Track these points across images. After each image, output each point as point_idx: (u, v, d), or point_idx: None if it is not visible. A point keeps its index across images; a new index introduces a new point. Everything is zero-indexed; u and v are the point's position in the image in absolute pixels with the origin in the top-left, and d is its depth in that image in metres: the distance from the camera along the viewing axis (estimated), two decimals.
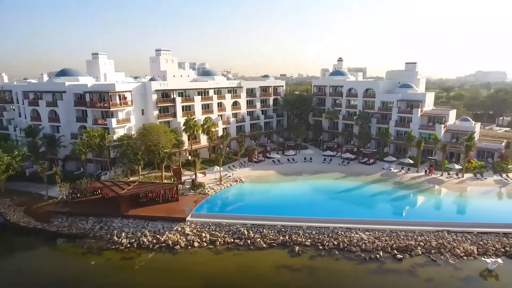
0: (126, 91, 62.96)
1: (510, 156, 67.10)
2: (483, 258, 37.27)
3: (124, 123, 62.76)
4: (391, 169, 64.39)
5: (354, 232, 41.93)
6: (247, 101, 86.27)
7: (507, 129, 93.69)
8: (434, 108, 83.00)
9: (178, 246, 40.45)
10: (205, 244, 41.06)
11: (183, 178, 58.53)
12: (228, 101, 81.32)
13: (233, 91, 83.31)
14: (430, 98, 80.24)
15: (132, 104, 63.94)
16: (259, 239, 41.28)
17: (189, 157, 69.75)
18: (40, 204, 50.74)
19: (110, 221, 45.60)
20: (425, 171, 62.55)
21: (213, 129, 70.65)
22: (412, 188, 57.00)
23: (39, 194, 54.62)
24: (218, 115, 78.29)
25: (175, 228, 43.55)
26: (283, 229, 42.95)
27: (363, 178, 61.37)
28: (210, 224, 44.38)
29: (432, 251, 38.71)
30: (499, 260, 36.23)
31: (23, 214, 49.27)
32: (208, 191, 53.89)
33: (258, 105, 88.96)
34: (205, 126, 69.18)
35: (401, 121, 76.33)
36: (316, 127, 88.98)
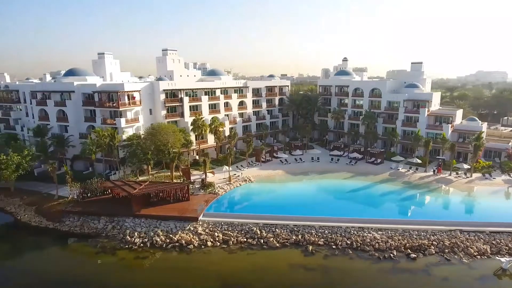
0: (134, 91, 62.99)
1: None
2: (497, 257, 37.35)
3: (133, 123, 62.82)
4: (399, 169, 64.46)
5: (366, 232, 41.98)
6: (253, 101, 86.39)
7: None
8: (440, 108, 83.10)
9: (192, 245, 40.46)
10: (218, 243, 41.07)
11: (191, 178, 58.58)
12: (234, 101, 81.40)
13: (239, 91, 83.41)
14: (436, 98, 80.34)
15: (140, 103, 63.98)
16: (272, 239, 41.32)
17: (197, 157, 69.88)
18: (50, 204, 50.73)
19: (122, 220, 45.62)
20: (433, 170, 62.64)
21: (220, 129, 70.71)
22: (421, 187, 57.09)
23: (49, 194, 54.64)
24: (225, 115, 78.39)
25: (188, 227, 43.58)
26: (295, 229, 42.99)
27: (371, 177, 61.46)
28: (222, 223, 44.41)
29: (446, 250, 38.74)
30: None
31: (34, 214, 49.28)
32: (218, 191, 53.96)
33: (264, 105, 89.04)
34: (213, 125, 69.25)
35: (407, 121, 76.41)
36: (322, 126, 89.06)
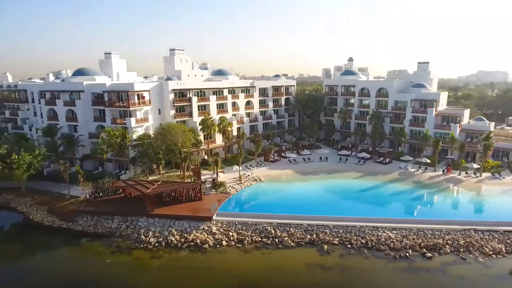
0: (144, 91, 63.06)
1: None
2: None
3: (142, 123, 62.90)
4: (408, 169, 64.62)
5: (381, 231, 42.09)
6: (259, 100, 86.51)
7: None
8: (447, 108, 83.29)
9: (207, 245, 40.55)
10: (233, 243, 41.18)
11: (201, 177, 58.61)
12: (241, 100, 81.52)
13: (246, 90, 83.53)
14: (443, 97, 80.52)
15: (150, 103, 64.05)
16: (286, 238, 41.44)
17: (205, 157, 69.97)
18: (63, 203, 50.72)
19: (135, 220, 45.68)
20: (443, 170, 62.78)
21: (229, 129, 70.82)
22: (431, 187, 57.23)
23: (60, 193, 54.68)
24: (232, 115, 78.47)
25: (202, 227, 43.66)
26: (309, 228, 43.09)
27: (381, 177, 61.59)
28: (236, 223, 44.49)
29: (461, 249, 38.89)
30: None
31: (47, 213, 49.31)
32: (230, 190, 54.05)
33: (270, 104, 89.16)
34: (222, 125, 69.34)
35: (415, 121, 76.58)
36: (329, 126, 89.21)
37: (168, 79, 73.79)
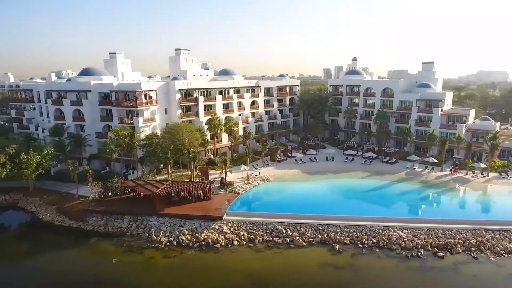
0: (151, 90, 63.06)
1: None
2: None
3: (150, 122, 62.92)
4: (414, 168, 64.68)
5: (392, 230, 42.15)
6: (264, 100, 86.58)
7: None
8: (452, 107, 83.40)
9: (218, 244, 40.56)
10: (245, 242, 41.18)
11: (209, 177, 58.61)
12: (247, 100, 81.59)
13: (252, 90, 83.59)
14: (449, 97, 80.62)
15: (157, 103, 64.05)
16: (297, 238, 41.47)
17: (212, 156, 69.98)
18: (72, 203, 50.66)
19: (146, 219, 45.67)
20: (450, 170, 62.86)
21: (235, 128, 70.85)
22: (439, 187, 57.31)
23: (69, 193, 54.60)
24: (238, 115, 78.50)
25: (212, 226, 43.68)
26: (320, 228, 43.13)
27: (388, 177, 61.64)
28: (246, 222, 44.51)
29: (472, 249, 38.94)
30: None
31: (56, 213, 49.24)
32: (239, 190, 54.08)
33: (275, 104, 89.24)
34: (228, 125, 69.37)
35: (421, 121, 76.67)
36: (334, 126, 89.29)
37: (175, 78, 73.76)
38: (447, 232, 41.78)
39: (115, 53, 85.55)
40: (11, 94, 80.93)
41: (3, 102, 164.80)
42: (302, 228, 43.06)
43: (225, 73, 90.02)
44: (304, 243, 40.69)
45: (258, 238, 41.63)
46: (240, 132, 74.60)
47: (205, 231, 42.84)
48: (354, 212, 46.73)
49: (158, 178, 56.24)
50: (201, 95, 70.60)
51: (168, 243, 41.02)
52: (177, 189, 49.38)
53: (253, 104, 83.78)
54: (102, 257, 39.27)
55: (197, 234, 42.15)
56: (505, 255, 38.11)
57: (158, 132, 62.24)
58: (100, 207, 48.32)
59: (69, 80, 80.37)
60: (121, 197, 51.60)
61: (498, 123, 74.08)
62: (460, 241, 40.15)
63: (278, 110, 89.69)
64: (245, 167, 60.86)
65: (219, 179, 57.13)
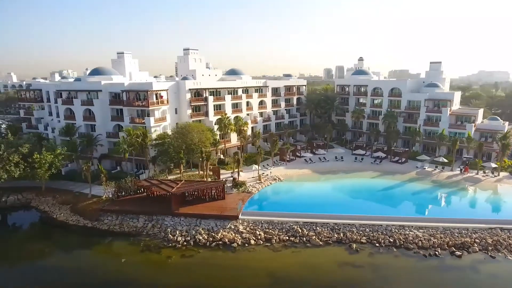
0: (162, 90, 63.08)
1: None
2: None
3: (160, 122, 62.90)
4: (425, 168, 64.76)
5: (407, 230, 42.25)
6: (272, 100, 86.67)
7: None
8: (460, 107, 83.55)
9: (235, 244, 40.62)
10: (261, 242, 41.25)
11: (221, 176, 58.67)
12: (255, 100, 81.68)
13: (259, 90, 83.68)
14: (457, 97, 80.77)
15: (168, 102, 64.08)
16: (314, 237, 41.55)
17: (221, 156, 70.06)
18: (85, 203, 50.70)
19: (161, 219, 45.72)
20: (460, 169, 62.98)
21: (245, 128, 70.95)
22: (451, 186, 57.41)
23: (81, 193, 54.64)
24: (246, 114, 78.57)
25: (228, 226, 43.74)
26: (336, 227, 43.21)
27: (399, 176, 61.73)
28: (262, 222, 44.58)
29: (489, 248, 39.03)
30: None
31: (70, 213, 49.27)
32: (251, 190, 54.15)
33: (283, 104, 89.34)
34: (238, 125, 69.45)
35: (429, 121, 76.80)
36: (342, 126, 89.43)
37: (184, 78, 73.76)
38: (463, 231, 41.89)
39: (123, 53, 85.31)
40: (19, 94, 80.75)
41: (7, 102, 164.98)
42: (318, 228, 43.15)
43: (233, 73, 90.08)
44: (321, 243, 40.78)
45: (275, 238, 41.70)
46: (249, 132, 74.68)
47: (221, 230, 42.90)
48: (369, 211, 46.86)
49: (170, 177, 56.30)
50: (210, 94, 70.66)
51: (185, 243, 41.09)
52: (192, 189, 49.46)
53: (261, 104, 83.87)
54: (120, 257, 39.18)
55: (213, 234, 42.22)
56: None
57: (169, 131, 62.28)
58: (115, 207, 48.34)
59: (78, 80, 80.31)
60: (134, 197, 51.69)
61: (507, 123, 74.16)
62: (476, 240, 40.28)
63: (285, 110, 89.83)
64: (256, 166, 60.93)
65: (231, 178, 57.17)
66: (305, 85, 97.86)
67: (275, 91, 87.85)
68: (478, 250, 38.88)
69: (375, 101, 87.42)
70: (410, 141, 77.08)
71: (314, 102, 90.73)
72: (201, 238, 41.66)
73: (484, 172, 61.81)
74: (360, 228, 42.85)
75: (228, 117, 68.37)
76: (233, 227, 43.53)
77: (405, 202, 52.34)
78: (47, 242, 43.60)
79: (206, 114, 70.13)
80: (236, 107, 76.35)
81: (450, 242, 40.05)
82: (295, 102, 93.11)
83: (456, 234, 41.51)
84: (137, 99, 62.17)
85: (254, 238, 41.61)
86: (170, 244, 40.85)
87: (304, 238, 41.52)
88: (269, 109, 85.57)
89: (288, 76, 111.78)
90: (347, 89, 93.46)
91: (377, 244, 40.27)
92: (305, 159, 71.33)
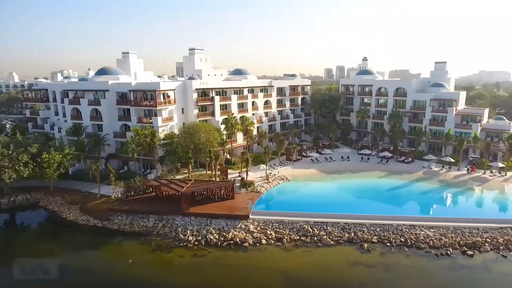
0: (170, 90, 63.12)
1: None
2: None
3: (168, 122, 62.98)
4: (431, 168, 64.85)
5: (418, 229, 42.28)
6: (277, 100, 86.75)
7: None
8: (465, 107, 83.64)
9: (247, 243, 40.66)
10: (272, 241, 41.27)
11: (228, 176, 58.69)
12: (260, 100, 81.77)
13: (265, 90, 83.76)
14: (462, 97, 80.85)
15: (175, 102, 64.11)
16: (325, 236, 41.59)
17: (228, 156, 70.07)
18: (95, 202, 50.68)
19: (171, 219, 45.72)
20: (467, 169, 63.06)
21: (252, 128, 71.02)
22: (459, 186, 57.50)
23: (90, 192, 54.65)
24: (252, 114, 78.63)
25: (239, 225, 43.77)
26: (346, 226, 43.27)
27: (406, 176, 61.81)
28: (272, 221, 44.63)
29: (501, 247, 39.09)
30: None
31: (79, 212, 49.26)
32: (260, 189, 54.19)
33: (288, 104, 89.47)
34: (244, 124, 69.50)
35: (435, 120, 76.87)
36: (347, 125, 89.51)
37: (191, 78, 73.83)
38: (474, 231, 41.96)
39: (128, 52, 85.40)
40: (25, 94, 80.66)
41: (9, 102, 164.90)
42: (328, 227, 43.19)
43: (238, 72, 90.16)
44: (332, 242, 40.83)
45: (286, 237, 41.75)
46: (255, 132, 74.75)
47: (232, 230, 42.93)
48: (378, 211, 47.00)
49: (177, 177, 56.29)
50: (217, 94, 70.71)
51: (196, 242, 41.10)
52: (202, 188, 49.48)
53: (266, 103, 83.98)
54: (131, 256, 39.13)
55: (224, 233, 42.24)
56: None
57: (176, 131, 62.32)
58: (125, 206, 48.36)
59: (83, 79, 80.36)
60: (143, 197, 51.70)
61: None
62: (487, 239, 40.35)
63: (290, 109, 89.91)
64: (264, 166, 60.99)
65: (239, 178, 57.22)
66: (309, 85, 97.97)
67: (280, 91, 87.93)
68: (489, 249, 38.95)
69: (380, 101, 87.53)
70: (415, 141, 77.26)
71: (319, 102, 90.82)
72: (212, 237, 41.68)
73: (491, 172, 61.92)
74: (371, 228, 42.89)
75: (235, 117, 68.41)
76: (243, 227, 43.57)
77: (414, 202, 52.50)
78: (57, 241, 43.59)
79: (213, 114, 70.20)
80: (241, 107, 76.42)
81: (461, 241, 40.14)
82: (299, 102, 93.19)
83: (467, 233, 41.58)
84: (145, 99, 62.22)
85: (265, 238, 41.64)
86: (182, 244, 40.85)
87: (315, 238, 41.57)
88: (274, 109, 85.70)
89: (292, 76, 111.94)
90: (351, 89, 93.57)
91: (388, 244, 40.31)
92: (311, 159, 71.39)
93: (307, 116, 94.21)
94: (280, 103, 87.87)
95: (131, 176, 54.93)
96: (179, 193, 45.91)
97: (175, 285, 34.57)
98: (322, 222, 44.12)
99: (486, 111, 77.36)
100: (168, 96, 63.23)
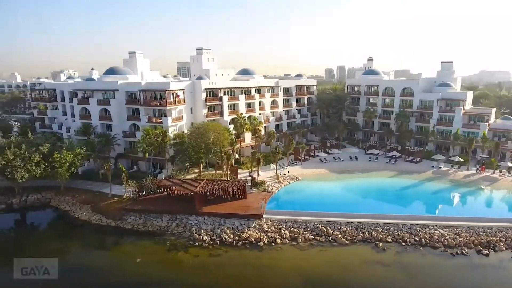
0: (179, 90, 63.17)
1: None
2: None
3: (177, 122, 63.03)
4: (440, 167, 64.98)
5: (432, 229, 42.40)
6: (283, 100, 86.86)
7: None
8: (472, 107, 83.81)
9: (262, 243, 40.72)
10: (287, 241, 41.35)
11: (239, 176, 58.74)
12: (267, 99, 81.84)
13: (272, 90, 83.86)
14: (469, 97, 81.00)
15: (184, 102, 64.16)
16: (339, 236, 41.69)
17: (236, 156, 70.10)
18: (107, 202, 50.74)
19: (185, 218, 45.76)
20: (476, 169, 63.21)
21: (260, 128, 71.10)
22: (469, 185, 57.63)
23: (101, 192, 54.63)
24: (259, 114, 78.68)
25: (253, 225, 43.84)
26: (360, 226, 43.36)
27: (416, 176, 61.95)
28: (286, 221, 44.71)
29: None
30: None
31: (92, 212, 49.27)
32: (271, 189, 54.26)
33: (294, 104, 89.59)
34: (253, 124, 69.56)
35: (442, 120, 76.99)
36: (353, 125, 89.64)
37: (199, 78, 73.88)
38: (488, 230, 42.10)
39: (135, 52, 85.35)
40: (32, 94, 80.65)
41: (13, 102, 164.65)
42: (342, 227, 43.29)
43: (245, 72, 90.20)
44: (346, 241, 40.92)
45: (300, 237, 41.82)
46: (262, 132, 74.80)
47: (246, 229, 42.98)
48: (390, 210, 47.13)
49: (188, 177, 56.32)
50: (225, 94, 70.73)
51: (211, 242, 41.13)
52: (214, 188, 49.52)
53: (273, 103, 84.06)
54: (148, 256, 39.26)
55: (239, 233, 42.29)
56: None
57: (185, 131, 62.38)
58: (137, 206, 48.39)
59: (90, 79, 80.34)
60: (154, 196, 51.75)
61: None
62: (502, 239, 40.49)
63: (297, 109, 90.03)
64: (273, 166, 61.07)
65: (250, 178, 57.29)
66: (315, 85, 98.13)
67: (286, 90, 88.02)
68: (504, 248, 39.10)
69: (386, 101, 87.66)
70: (423, 141, 77.38)
71: (325, 102, 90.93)
72: (227, 237, 41.72)
73: (501, 172, 62.06)
74: (385, 227, 42.99)
75: (243, 117, 68.48)
76: (257, 226, 43.64)
77: (426, 201, 52.61)
78: (71, 241, 43.63)
79: (221, 113, 70.22)
80: (249, 106, 76.47)
81: (476, 240, 40.26)
82: (306, 102, 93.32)
83: (481, 232, 41.70)
84: (154, 98, 62.23)
85: (279, 237, 41.71)
86: (197, 243, 40.87)
87: (330, 237, 41.66)
88: (280, 108, 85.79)
89: (299, 76, 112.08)
90: (357, 88, 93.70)
91: (403, 243, 40.42)
92: (320, 159, 71.46)
93: (313, 116, 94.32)
94: (286, 103, 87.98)
95: (141, 176, 55.03)
96: (193, 193, 45.96)
97: (194, 284, 34.62)
98: (335, 222, 44.21)
99: (493, 111, 77.53)
100: (178, 96, 63.27)
